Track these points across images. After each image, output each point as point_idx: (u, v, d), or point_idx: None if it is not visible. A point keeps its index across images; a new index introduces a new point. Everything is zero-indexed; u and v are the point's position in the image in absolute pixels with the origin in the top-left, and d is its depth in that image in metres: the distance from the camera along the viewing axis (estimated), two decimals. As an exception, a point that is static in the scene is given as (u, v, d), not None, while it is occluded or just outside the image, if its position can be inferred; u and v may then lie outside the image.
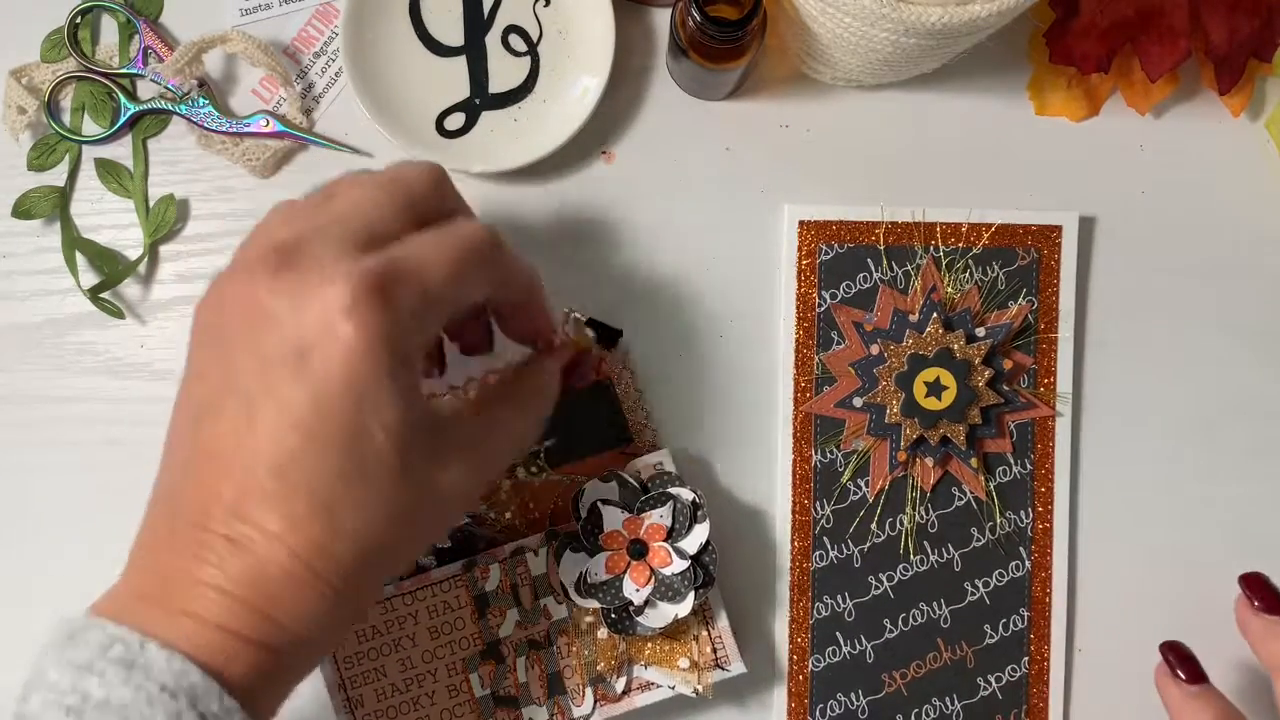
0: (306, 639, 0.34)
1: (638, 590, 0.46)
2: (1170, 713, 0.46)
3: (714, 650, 0.48)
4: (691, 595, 0.46)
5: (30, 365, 0.50)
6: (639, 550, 0.46)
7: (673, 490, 0.47)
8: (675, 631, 0.47)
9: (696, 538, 0.46)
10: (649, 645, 0.48)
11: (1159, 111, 0.52)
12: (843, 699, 0.50)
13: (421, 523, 0.37)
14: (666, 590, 0.46)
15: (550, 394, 0.44)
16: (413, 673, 0.47)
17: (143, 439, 0.50)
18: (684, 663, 0.47)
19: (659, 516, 0.47)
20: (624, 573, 0.46)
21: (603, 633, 0.47)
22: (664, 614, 0.46)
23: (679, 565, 0.46)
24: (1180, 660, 0.46)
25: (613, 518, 0.47)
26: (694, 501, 0.47)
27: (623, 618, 0.46)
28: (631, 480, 0.47)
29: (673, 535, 0.47)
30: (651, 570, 0.46)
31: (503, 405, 0.42)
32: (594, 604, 0.46)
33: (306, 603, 0.34)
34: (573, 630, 0.48)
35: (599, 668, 0.47)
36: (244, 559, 0.33)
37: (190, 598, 0.33)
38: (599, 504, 0.47)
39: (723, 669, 0.48)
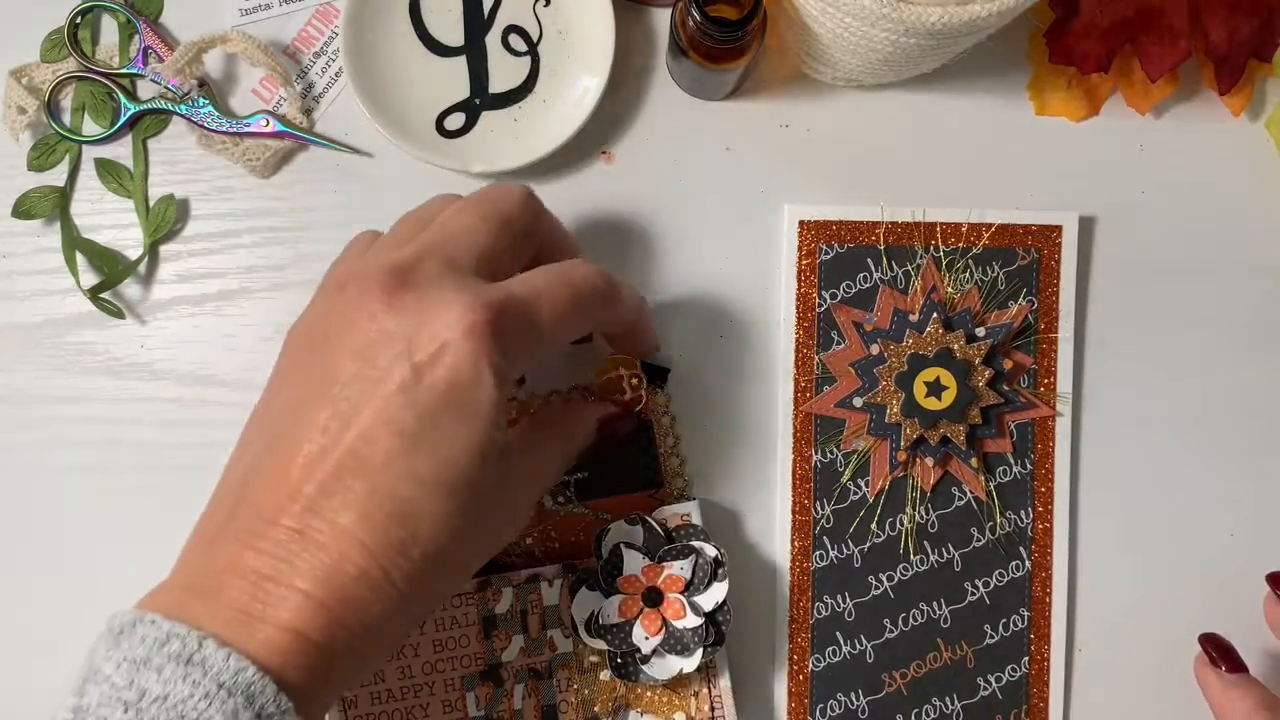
0: (365, 644, 0.34)
1: (647, 639, 0.46)
2: (1210, 702, 0.47)
3: (712, 708, 0.48)
4: (700, 652, 0.45)
5: (30, 365, 0.50)
6: (654, 599, 0.46)
7: (696, 544, 0.46)
8: (676, 684, 0.47)
9: (714, 595, 0.46)
10: (648, 693, 0.47)
11: (1159, 111, 0.52)
12: (843, 699, 0.50)
13: (484, 541, 0.39)
14: (676, 643, 0.46)
15: (589, 429, 0.46)
16: (410, 682, 0.47)
17: (143, 439, 0.51)
18: (680, 717, 0.47)
19: (679, 568, 0.46)
20: (636, 619, 0.46)
21: (605, 674, 0.47)
22: (669, 666, 0.46)
23: (692, 620, 0.46)
24: (1220, 651, 0.47)
25: (633, 562, 0.46)
26: (716, 559, 0.46)
27: (628, 663, 0.46)
28: (657, 527, 0.47)
29: (690, 589, 0.46)
30: (664, 621, 0.46)
31: (551, 432, 0.44)
32: (601, 645, 0.46)
33: (376, 604, 0.34)
34: (575, 666, 0.47)
35: (595, 708, 0.47)
36: (315, 554, 0.33)
37: (250, 593, 0.33)
38: (621, 546, 0.46)
39: None
